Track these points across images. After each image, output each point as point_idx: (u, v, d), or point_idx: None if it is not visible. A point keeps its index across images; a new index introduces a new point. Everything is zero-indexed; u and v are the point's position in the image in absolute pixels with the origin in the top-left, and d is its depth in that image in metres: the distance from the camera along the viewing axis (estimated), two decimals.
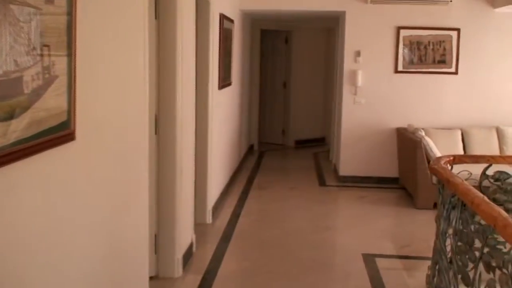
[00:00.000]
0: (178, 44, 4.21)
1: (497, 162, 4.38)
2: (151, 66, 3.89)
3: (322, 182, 8.05)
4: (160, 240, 4.37)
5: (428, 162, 6.68)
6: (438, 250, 3.70)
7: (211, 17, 5.47)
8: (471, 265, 3.06)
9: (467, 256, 3.12)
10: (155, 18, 4.14)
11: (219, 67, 5.95)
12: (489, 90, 7.77)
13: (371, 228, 5.97)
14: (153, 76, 4.05)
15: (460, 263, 3.19)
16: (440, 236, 3.70)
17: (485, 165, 4.04)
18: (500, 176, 4.41)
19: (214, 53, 5.68)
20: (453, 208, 3.62)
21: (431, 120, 7.82)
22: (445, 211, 3.70)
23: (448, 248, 3.52)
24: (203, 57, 5.39)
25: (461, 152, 7.41)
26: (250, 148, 10.39)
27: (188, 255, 4.74)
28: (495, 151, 7.49)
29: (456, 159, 4.31)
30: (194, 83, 4.90)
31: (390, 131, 7.88)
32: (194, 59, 4.82)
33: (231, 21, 6.98)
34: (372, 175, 7.95)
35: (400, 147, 7.73)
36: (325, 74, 11.41)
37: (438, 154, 6.70)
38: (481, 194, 2.98)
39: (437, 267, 3.70)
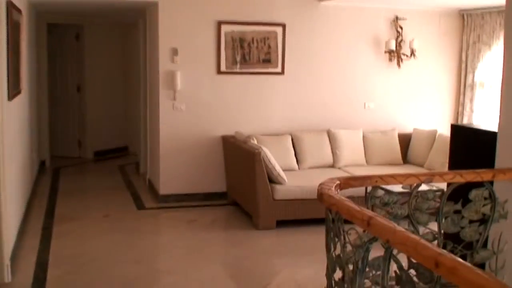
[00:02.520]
0: None
1: (387, 183, 3.64)
2: None
3: (140, 205, 6.75)
4: None
5: (268, 175, 5.85)
6: None
7: None
8: None
9: None
10: None
11: (8, 71, 4.34)
12: (317, 91, 7.23)
13: (215, 266, 4.91)
14: None
15: None
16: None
17: None
18: (389, 199, 3.70)
19: (2, 53, 4.10)
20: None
21: (259, 125, 7.03)
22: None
23: None
24: None
25: (293, 159, 6.75)
26: (42, 165, 8.63)
27: None
28: (329, 157, 6.96)
29: (342, 184, 3.45)
30: None
31: (215, 140, 6.91)
32: None
33: (19, 11, 5.35)
34: (198, 191, 6.90)
35: (228, 158, 6.80)
36: (125, 76, 10.04)
37: (277, 166, 5.91)
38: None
39: None
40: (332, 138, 7.05)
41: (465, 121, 7.72)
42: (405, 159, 7.38)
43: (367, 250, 2.76)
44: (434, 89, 7.75)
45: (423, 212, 3.81)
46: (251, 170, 5.89)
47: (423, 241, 2.20)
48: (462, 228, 3.89)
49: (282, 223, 5.88)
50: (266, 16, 6.88)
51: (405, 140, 7.43)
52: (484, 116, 7.40)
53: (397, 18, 7.39)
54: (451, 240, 3.90)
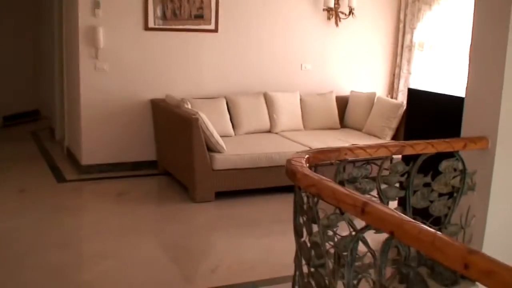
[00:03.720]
0: None
1: (357, 156, 3.28)
2: None
3: (60, 177, 6.04)
4: None
5: (207, 143, 5.34)
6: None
7: None
8: None
9: None
10: None
11: None
12: (253, 50, 6.72)
13: (153, 247, 4.40)
14: None
15: None
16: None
17: None
18: (357, 173, 3.38)
19: None
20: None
21: (191, 88, 6.46)
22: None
23: None
24: None
25: (229, 124, 6.26)
26: None
27: None
28: (266, 121, 6.54)
29: (311, 159, 3.06)
30: None
31: (143, 104, 6.28)
32: None
33: None
34: (125, 160, 6.29)
35: (158, 124, 6.21)
36: (35, 31, 9.06)
37: (215, 133, 5.42)
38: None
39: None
40: (269, 102, 6.61)
41: (401, 83, 7.51)
42: (342, 123, 7.08)
43: (357, 241, 2.37)
44: (372, 50, 7.46)
45: (392, 186, 3.48)
46: (186, 138, 5.35)
47: (446, 237, 1.81)
48: (431, 202, 3.62)
49: (220, 195, 5.43)
50: None
51: (342, 103, 7.11)
52: (423, 78, 7.21)
53: None
54: (419, 215, 3.62)
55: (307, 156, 2.99)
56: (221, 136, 5.58)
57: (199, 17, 6.39)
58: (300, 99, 6.84)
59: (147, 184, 5.97)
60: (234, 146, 5.66)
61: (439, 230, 3.53)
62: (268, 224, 4.97)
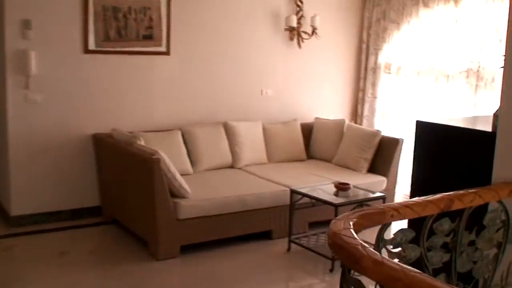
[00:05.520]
0: None
1: (404, 217, 2.57)
2: None
3: None
4: None
5: (169, 187, 4.46)
6: None
7: None
8: None
9: None
10: None
11: None
12: (210, 75, 5.92)
13: None
14: None
15: None
16: None
17: None
18: (402, 238, 2.64)
19: None
20: None
21: (141, 120, 5.57)
22: None
23: None
24: None
25: (187, 160, 5.41)
26: None
27: None
28: (227, 155, 5.74)
29: (355, 226, 2.30)
30: None
31: (84, 140, 5.31)
32: None
33: None
34: (63, 208, 5.27)
35: (104, 164, 5.26)
36: None
37: (177, 174, 4.56)
38: None
39: None
40: (229, 133, 5.82)
41: (366, 108, 6.93)
42: (308, 153, 6.38)
43: None
44: (335, 73, 6.85)
45: (437, 249, 2.79)
46: (145, 182, 4.45)
47: None
48: (475, 263, 2.97)
49: (186, 249, 4.56)
50: None
51: (307, 132, 6.42)
52: (391, 103, 6.65)
53: None
54: (460, 280, 2.98)
55: (351, 223, 2.24)
56: None
57: (148, 37, 5.52)
58: (263, 128, 6.09)
59: (93, 237, 5.00)
60: (198, 188, 4.80)
61: None
62: (249, 282, 4.15)
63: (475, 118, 4.36)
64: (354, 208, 4.44)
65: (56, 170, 5.20)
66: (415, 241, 2.67)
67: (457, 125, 3.74)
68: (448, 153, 3.61)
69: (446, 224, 2.77)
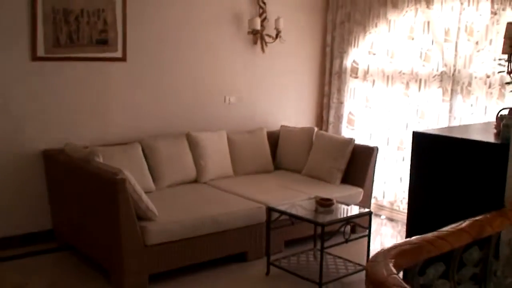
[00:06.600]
0: None
1: (441, 250, 2.24)
2: None
3: None
4: None
5: (135, 210, 3.98)
6: None
7: None
8: None
9: None
10: None
11: None
12: (170, 82, 5.48)
13: None
14: None
15: None
16: None
17: None
18: (434, 274, 2.29)
19: None
20: None
21: (97, 132, 5.06)
22: None
23: None
24: None
25: (148, 176, 4.94)
26: None
27: None
28: (191, 169, 5.31)
29: (396, 267, 1.95)
30: None
31: (33, 157, 4.74)
32: None
33: None
34: (11, 233, 4.69)
35: (56, 184, 4.71)
36: None
37: (144, 195, 4.09)
38: None
39: None
40: (193, 144, 5.38)
41: (331, 114, 6.64)
42: (275, 164, 6.01)
43: None
44: (300, 78, 6.52)
45: (466, 283, 2.47)
46: (108, 204, 3.96)
47: None
48: None
49: (155, 278, 4.09)
50: None
51: (273, 141, 6.05)
52: (359, 109, 6.38)
53: None
54: None
55: (391, 265, 1.88)
56: None
57: (103, 42, 5.01)
58: (228, 139, 5.68)
59: (47, 266, 4.44)
60: (165, 208, 4.33)
61: None
62: None
63: (466, 127, 4.11)
64: (341, 227, 4.11)
65: (1, 191, 4.61)
66: (445, 274, 2.35)
67: (454, 135, 3.48)
68: (446, 163, 3.33)
69: (475, 253, 2.46)
